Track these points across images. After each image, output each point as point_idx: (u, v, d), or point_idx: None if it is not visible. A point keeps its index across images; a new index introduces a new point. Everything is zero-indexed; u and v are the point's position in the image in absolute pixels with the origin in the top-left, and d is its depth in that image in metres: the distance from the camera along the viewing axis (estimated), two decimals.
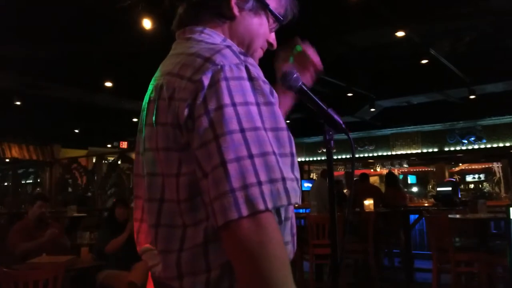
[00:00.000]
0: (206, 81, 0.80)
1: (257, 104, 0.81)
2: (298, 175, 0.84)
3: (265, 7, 1.00)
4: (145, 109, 0.94)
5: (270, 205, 0.75)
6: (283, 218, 0.88)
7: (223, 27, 0.98)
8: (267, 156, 0.78)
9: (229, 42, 0.93)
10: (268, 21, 1.02)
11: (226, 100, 0.78)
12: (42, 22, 5.56)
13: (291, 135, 0.86)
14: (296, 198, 0.79)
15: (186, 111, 0.80)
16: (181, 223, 0.85)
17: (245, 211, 0.74)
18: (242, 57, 0.84)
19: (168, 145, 0.84)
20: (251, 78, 0.82)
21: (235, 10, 0.97)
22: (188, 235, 0.84)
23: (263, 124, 0.80)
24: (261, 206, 0.74)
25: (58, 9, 5.28)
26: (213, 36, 0.94)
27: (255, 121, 0.79)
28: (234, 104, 0.78)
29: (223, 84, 0.79)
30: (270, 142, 0.80)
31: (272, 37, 1.07)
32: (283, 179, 0.78)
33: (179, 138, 0.82)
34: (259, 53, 1.05)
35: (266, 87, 0.84)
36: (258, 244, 0.74)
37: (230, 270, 0.81)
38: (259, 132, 0.79)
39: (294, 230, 0.94)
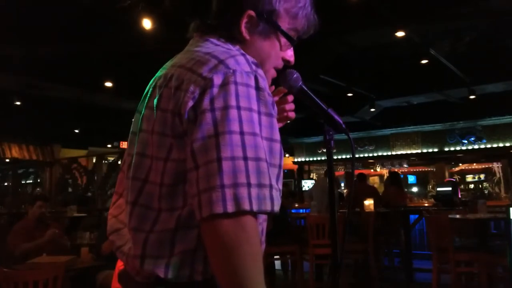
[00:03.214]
0: (217, 80, 0.83)
1: (259, 113, 0.85)
2: (281, 186, 0.89)
3: (276, 29, 1.01)
4: (149, 92, 0.97)
5: (255, 208, 0.78)
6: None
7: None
8: (260, 162, 0.81)
9: (243, 51, 0.95)
10: (281, 41, 1.03)
11: (233, 102, 0.82)
12: (42, 22, 5.55)
13: (282, 149, 0.91)
14: (277, 207, 0.83)
15: (190, 103, 0.83)
16: (157, 207, 0.88)
17: (230, 208, 0.77)
18: (253, 66, 0.88)
19: (164, 131, 0.88)
20: (258, 88, 0.86)
21: (245, 34, 0.99)
22: (161, 219, 0.88)
23: (260, 132, 0.84)
24: (247, 207, 0.77)
25: (58, 9, 5.28)
26: (228, 44, 0.97)
27: (255, 127, 0.83)
28: (239, 108, 0.82)
29: (232, 87, 0.83)
30: (264, 149, 0.83)
31: (288, 54, 1.07)
32: (271, 186, 0.82)
33: (177, 126, 0.86)
34: (272, 73, 1.07)
35: (270, 99, 0.88)
36: (235, 241, 0.77)
37: (192, 259, 0.86)
38: (256, 138, 0.82)
39: (263, 238, 0.97)
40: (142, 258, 0.88)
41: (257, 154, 0.81)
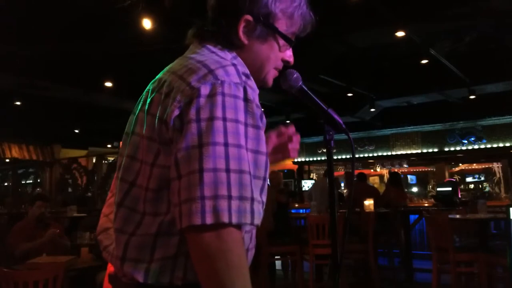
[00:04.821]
0: (204, 91, 0.83)
1: (246, 125, 0.85)
2: (264, 198, 0.89)
3: (274, 32, 1.01)
4: (143, 96, 0.98)
5: (234, 220, 0.78)
6: (243, 233, 0.90)
7: (234, 52, 1.00)
8: (242, 174, 0.81)
9: (237, 60, 0.96)
10: (279, 42, 1.03)
11: (218, 113, 0.82)
12: (42, 22, 5.55)
13: (268, 161, 0.91)
14: (258, 220, 0.83)
15: (176, 111, 0.84)
16: (142, 210, 0.90)
17: (209, 220, 0.77)
18: (243, 77, 0.88)
19: (152, 136, 0.89)
20: (246, 99, 0.86)
21: (244, 39, 0.99)
22: (144, 223, 0.89)
23: (246, 144, 0.84)
24: (225, 219, 0.77)
25: (58, 9, 5.28)
26: (225, 51, 0.98)
27: (240, 139, 0.83)
28: (224, 119, 0.82)
29: (219, 98, 0.83)
30: (248, 162, 0.83)
31: (287, 55, 1.07)
32: (252, 199, 0.81)
33: (163, 133, 0.86)
34: (273, 73, 1.07)
35: (258, 111, 0.88)
36: (217, 252, 0.77)
37: (172, 265, 0.86)
38: (241, 150, 0.82)
39: (251, 245, 0.97)
40: (123, 260, 0.89)
41: (240, 166, 0.81)
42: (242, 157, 0.82)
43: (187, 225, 0.78)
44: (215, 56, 0.94)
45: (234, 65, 0.90)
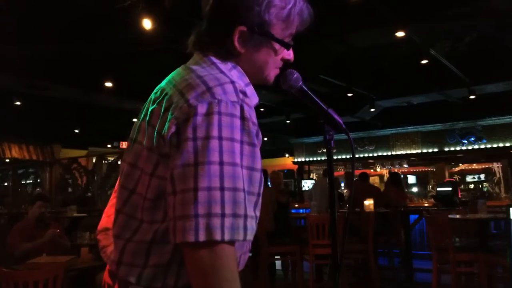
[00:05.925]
0: (201, 109, 0.85)
1: (241, 142, 0.87)
2: (258, 213, 0.91)
3: (270, 39, 1.01)
4: (146, 105, 1.00)
5: (226, 238, 0.81)
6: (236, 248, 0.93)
7: (232, 61, 1.01)
8: (236, 192, 0.83)
9: (237, 70, 0.99)
10: (276, 47, 1.03)
11: (214, 132, 0.84)
12: (42, 22, 5.55)
13: (263, 178, 0.94)
14: (251, 236, 0.86)
15: (173, 128, 0.86)
16: (140, 217, 0.93)
17: (202, 237, 0.80)
18: (241, 95, 0.89)
19: (151, 147, 0.91)
20: (243, 118, 0.88)
21: (240, 49, 0.99)
22: (141, 230, 0.92)
23: (241, 161, 0.86)
24: (218, 237, 0.80)
25: (58, 9, 5.28)
26: (225, 62, 0.99)
27: (235, 157, 0.85)
28: (220, 138, 0.84)
29: (216, 117, 0.85)
30: (243, 179, 0.85)
31: (287, 53, 1.07)
32: (245, 216, 0.84)
33: (161, 146, 0.88)
34: (275, 72, 1.08)
35: (254, 129, 0.90)
36: (210, 267, 0.80)
37: (164, 273, 0.90)
38: (236, 168, 0.84)
39: (246, 249, 1.00)
40: (118, 265, 0.93)
41: (235, 184, 0.83)
42: (236, 175, 0.84)
43: (181, 242, 0.81)
44: (215, 70, 0.95)
45: (232, 82, 0.90)
